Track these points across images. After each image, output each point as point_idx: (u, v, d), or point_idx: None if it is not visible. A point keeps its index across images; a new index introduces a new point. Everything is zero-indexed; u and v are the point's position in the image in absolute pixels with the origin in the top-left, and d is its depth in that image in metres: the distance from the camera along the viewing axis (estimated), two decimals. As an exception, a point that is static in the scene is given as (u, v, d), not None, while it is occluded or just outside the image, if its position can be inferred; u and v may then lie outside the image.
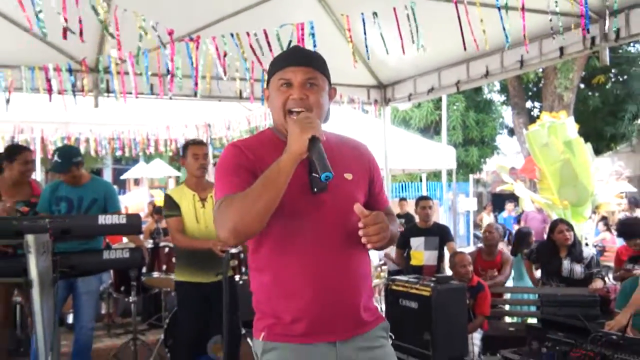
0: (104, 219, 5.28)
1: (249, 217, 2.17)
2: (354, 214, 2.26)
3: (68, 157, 5.83)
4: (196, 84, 6.70)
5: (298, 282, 2.34)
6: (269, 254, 2.40)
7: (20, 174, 6.00)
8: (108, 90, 7.14)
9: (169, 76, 6.65)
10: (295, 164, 2.20)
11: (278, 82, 2.40)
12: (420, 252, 7.59)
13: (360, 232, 2.21)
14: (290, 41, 6.12)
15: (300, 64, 2.40)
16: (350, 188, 2.44)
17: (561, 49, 6.34)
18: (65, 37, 5.29)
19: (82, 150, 11.05)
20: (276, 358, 2.35)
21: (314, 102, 2.36)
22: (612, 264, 8.65)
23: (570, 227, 7.33)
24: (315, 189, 2.36)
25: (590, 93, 22.93)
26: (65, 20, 5.19)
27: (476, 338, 6.30)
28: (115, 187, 6.93)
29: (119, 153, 12.66)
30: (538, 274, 7.66)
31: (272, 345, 2.36)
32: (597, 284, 6.92)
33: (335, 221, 2.37)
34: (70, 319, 7.49)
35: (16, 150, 6.06)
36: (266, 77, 2.59)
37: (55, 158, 5.82)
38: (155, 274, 6.55)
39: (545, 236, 12.05)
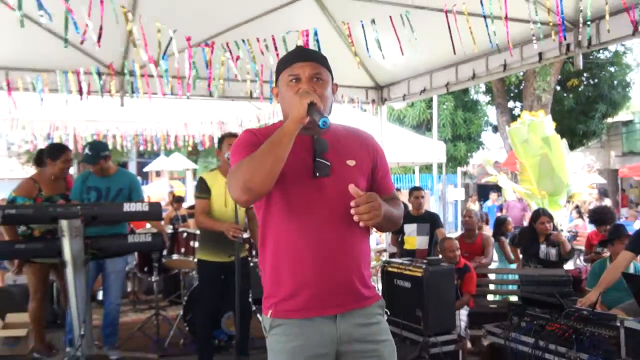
0: (128, 207, 5.35)
1: (258, 175, 2.17)
2: (352, 197, 2.25)
3: (97, 150, 5.89)
4: (209, 85, 6.70)
5: (300, 259, 2.32)
6: (274, 232, 2.38)
7: (60, 171, 6.04)
8: (132, 91, 7.16)
9: (184, 79, 6.64)
10: (298, 128, 2.22)
11: (287, 77, 2.40)
12: (413, 237, 7.60)
13: (352, 211, 2.19)
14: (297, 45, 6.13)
15: (307, 59, 2.40)
16: (351, 173, 2.39)
17: (540, 55, 6.31)
18: (99, 44, 5.30)
19: (110, 145, 11.11)
20: (281, 333, 2.34)
21: (320, 95, 2.33)
22: (583, 248, 8.67)
23: (551, 218, 7.37)
24: (318, 174, 2.34)
25: (565, 94, 22.90)
26: (100, 30, 5.20)
27: (463, 314, 6.30)
28: (139, 178, 6.95)
29: (142, 148, 12.68)
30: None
31: (278, 321, 2.35)
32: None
33: (337, 203, 2.33)
34: (100, 295, 7.53)
35: (59, 150, 6.09)
36: (274, 79, 2.57)
37: (86, 151, 5.87)
38: (175, 256, 6.59)
39: (524, 222, 12.09)
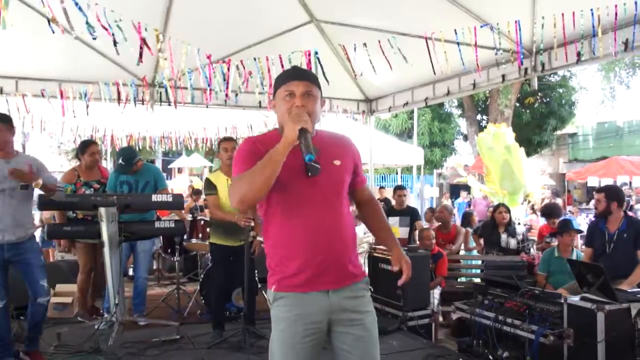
0: (156, 197, 5.39)
1: (253, 188, 2.22)
2: (341, 191, 2.41)
3: (129, 160, 5.92)
4: (227, 95, 6.73)
5: (298, 243, 2.34)
6: (276, 223, 2.40)
7: (90, 161, 6.10)
8: (160, 100, 7.19)
9: (207, 90, 6.66)
10: (289, 148, 2.22)
11: (283, 92, 2.40)
12: (396, 228, 7.62)
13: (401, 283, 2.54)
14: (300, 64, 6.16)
15: (301, 78, 2.42)
16: (338, 171, 2.45)
17: (503, 76, 6.35)
18: (141, 60, 5.36)
19: (140, 145, 11.15)
20: (283, 304, 2.37)
21: (311, 110, 2.36)
22: (536, 238, 8.73)
23: (508, 210, 7.44)
24: (310, 173, 2.35)
25: (523, 110, 22.98)
26: (141, 49, 5.24)
27: (436, 293, 6.34)
28: (164, 174, 6.98)
29: (167, 148, 12.71)
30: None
31: (280, 294, 2.38)
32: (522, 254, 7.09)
33: (327, 197, 2.38)
34: (131, 272, 7.55)
35: (85, 145, 6.19)
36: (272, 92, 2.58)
37: (120, 161, 5.90)
38: (194, 240, 6.60)
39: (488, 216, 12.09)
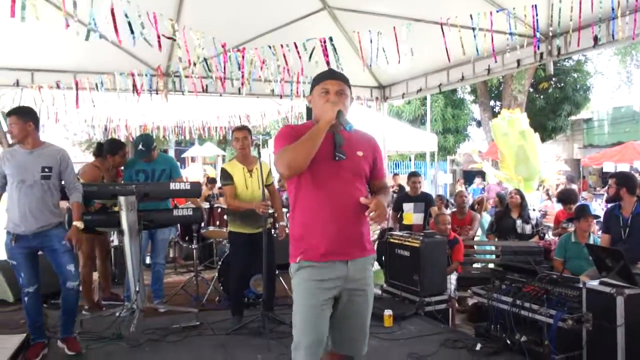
0: (173, 185, 5.43)
1: (299, 158, 2.59)
2: (360, 177, 2.77)
3: (149, 145, 5.99)
4: (242, 84, 6.76)
5: (322, 218, 2.68)
6: (304, 198, 2.73)
7: (120, 163, 6.15)
8: (175, 90, 7.23)
9: (220, 79, 6.69)
10: (328, 126, 2.63)
11: (320, 90, 2.77)
12: (410, 214, 7.63)
13: (368, 217, 2.62)
14: (313, 49, 6.19)
15: (335, 79, 2.78)
16: (360, 161, 2.79)
17: (518, 61, 6.35)
18: (160, 48, 5.40)
19: (154, 135, 11.20)
20: (306, 273, 2.69)
21: (342, 105, 2.71)
22: (551, 224, 8.70)
23: (519, 193, 7.45)
24: (337, 158, 2.72)
25: (537, 95, 22.79)
26: (158, 39, 5.28)
27: (452, 279, 6.36)
28: (178, 162, 7.04)
29: (180, 137, 12.77)
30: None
31: (305, 263, 2.69)
32: (536, 238, 7.09)
33: (348, 181, 2.72)
34: (147, 260, 7.60)
35: (119, 147, 6.18)
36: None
37: (140, 147, 5.94)
38: (211, 228, 6.64)
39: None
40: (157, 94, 7.15)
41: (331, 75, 2.83)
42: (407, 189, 8.11)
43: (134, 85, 6.82)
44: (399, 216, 7.89)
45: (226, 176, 5.36)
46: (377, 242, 8.71)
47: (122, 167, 6.24)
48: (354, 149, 2.79)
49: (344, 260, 2.69)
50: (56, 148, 4.56)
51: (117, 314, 5.20)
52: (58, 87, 6.76)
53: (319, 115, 2.73)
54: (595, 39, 5.34)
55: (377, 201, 2.62)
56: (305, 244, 2.70)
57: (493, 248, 7.44)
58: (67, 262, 4.46)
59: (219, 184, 9.89)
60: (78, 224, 4.49)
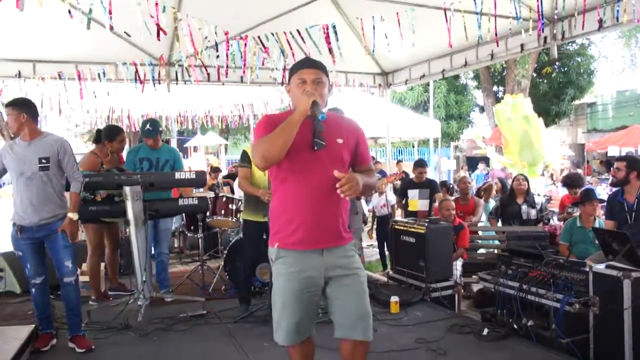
0: (179, 175, 5.46)
1: (273, 149, 2.60)
2: (340, 166, 2.72)
3: (156, 126, 6.05)
4: (244, 72, 6.75)
5: (299, 205, 2.71)
6: (283, 187, 2.76)
7: (119, 149, 6.11)
8: (177, 79, 7.22)
9: (224, 67, 6.67)
10: (303, 117, 2.63)
11: (297, 80, 2.77)
12: (415, 201, 7.64)
13: (338, 191, 2.57)
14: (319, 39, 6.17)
15: (312, 67, 2.79)
16: (339, 148, 2.79)
17: (522, 46, 6.33)
18: (158, 38, 5.36)
19: (156, 124, 11.19)
20: (283, 262, 2.74)
21: (320, 94, 2.72)
22: (556, 209, 8.70)
23: (526, 179, 7.45)
24: (316, 147, 2.73)
25: (540, 80, 22.71)
26: (158, 28, 5.26)
27: (458, 265, 6.38)
28: (180, 153, 7.04)
29: (183, 127, 12.77)
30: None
31: (282, 252, 2.75)
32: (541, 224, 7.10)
33: (327, 169, 2.68)
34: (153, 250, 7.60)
35: (116, 132, 6.10)
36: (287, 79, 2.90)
37: (148, 127, 5.95)
38: (217, 217, 6.65)
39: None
40: (159, 83, 7.14)
41: (308, 64, 2.82)
42: (412, 175, 8.11)
43: (137, 75, 6.80)
44: (404, 202, 7.91)
45: (245, 158, 5.26)
46: (374, 230, 8.79)
47: (124, 153, 6.23)
48: (333, 136, 2.78)
49: (318, 249, 2.72)
50: (55, 137, 4.46)
51: (125, 304, 5.22)
52: (60, 77, 6.76)
53: (296, 104, 2.74)
54: (600, 22, 5.31)
55: (351, 175, 2.61)
56: (282, 232, 2.75)
57: (498, 234, 7.45)
58: (65, 257, 4.41)
59: (223, 173, 9.91)
60: (72, 215, 4.40)
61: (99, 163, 5.97)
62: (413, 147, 23.20)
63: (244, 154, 5.35)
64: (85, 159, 6.05)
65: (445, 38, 5.93)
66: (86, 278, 6.12)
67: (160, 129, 6.08)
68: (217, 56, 6.37)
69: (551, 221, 7.78)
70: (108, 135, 6.03)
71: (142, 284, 5.12)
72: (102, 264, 6.39)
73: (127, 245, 5.90)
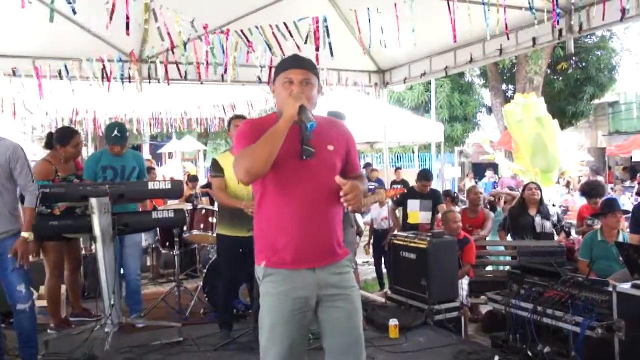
0: (153, 185, 5.41)
1: (258, 163, 2.60)
2: (332, 175, 2.69)
3: (125, 132, 5.96)
4: (226, 70, 6.74)
5: (288, 222, 2.70)
6: (269, 201, 2.76)
7: (74, 154, 5.95)
8: (150, 77, 7.19)
9: (203, 64, 6.66)
10: (289, 125, 2.63)
11: (283, 80, 2.77)
12: (416, 213, 7.62)
13: (342, 199, 2.62)
14: (307, 34, 6.16)
15: (300, 67, 2.78)
16: (331, 156, 2.80)
17: (534, 40, 6.34)
18: (128, 32, 5.31)
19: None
20: (272, 280, 2.74)
21: (308, 96, 2.73)
22: (574, 222, 8.72)
23: (538, 188, 7.44)
24: (305, 156, 2.72)
25: (555, 77, 22.82)
26: (127, 20, 5.22)
27: (464, 284, 6.38)
28: (154, 160, 7.00)
29: (157, 131, 12.74)
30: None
31: (270, 271, 2.74)
32: (561, 236, 7.08)
33: (318, 180, 2.72)
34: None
35: (69, 135, 5.92)
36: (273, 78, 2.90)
37: (116, 133, 5.85)
38: (195, 232, 6.61)
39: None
40: (130, 82, 7.11)
41: (295, 63, 2.82)
42: (412, 184, 8.11)
43: (104, 73, 6.77)
44: (402, 214, 7.89)
45: (217, 168, 5.30)
46: (372, 245, 8.78)
47: (80, 160, 6.15)
48: (324, 143, 2.79)
49: (310, 268, 2.73)
50: (6, 143, 4.35)
51: (90, 332, 5.15)
52: (14, 74, 6.68)
53: (282, 108, 2.73)
54: (623, 11, 5.29)
55: (354, 183, 2.63)
56: (270, 250, 2.75)
57: (508, 249, 7.44)
58: (16, 281, 4.32)
59: (202, 182, 9.86)
60: (27, 235, 4.30)
61: (54, 171, 5.80)
62: (413, 152, 23.27)
63: (215, 164, 5.38)
64: (36, 167, 5.78)
65: (449, 32, 5.93)
66: (44, 303, 6.00)
67: (128, 134, 6.02)
68: (195, 52, 6.36)
69: (572, 234, 7.78)
70: (60, 139, 5.86)
71: (110, 309, 5.06)
72: (63, 287, 6.29)
73: (92, 264, 5.86)
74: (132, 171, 6.00)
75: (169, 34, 5.84)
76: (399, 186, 7.44)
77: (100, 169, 5.88)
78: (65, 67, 6.71)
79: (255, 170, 2.61)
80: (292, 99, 2.65)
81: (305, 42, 6.16)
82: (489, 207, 9.22)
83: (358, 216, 7.53)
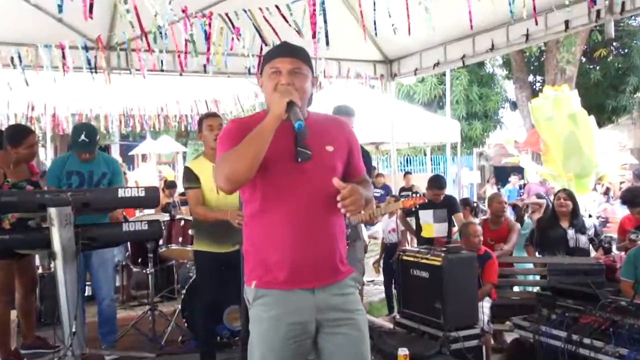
0: (123, 192, 5.36)
1: (240, 168, 2.59)
2: (332, 180, 2.66)
3: (94, 137, 5.88)
4: (208, 59, 6.71)
5: (282, 234, 2.70)
6: (259, 210, 2.76)
7: (27, 155, 5.86)
8: (120, 67, 7.16)
9: (182, 53, 6.63)
10: (276, 123, 2.62)
11: (269, 70, 2.79)
12: (430, 225, 7.56)
13: (339, 204, 2.61)
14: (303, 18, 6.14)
15: (288, 55, 2.79)
16: (330, 158, 2.81)
17: (566, 23, 6.28)
18: (91, 15, 5.27)
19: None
20: (264, 303, 2.74)
21: (299, 88, 2.74)
22: (614, 235, 8.68)
23: (570, 197, 7.35)
24: (300, 159, 2.73)
25: (591, 67, 22.82)
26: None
27: (485, 306, 6.34)
28: (124, 163, 6.96)
29: (129, 129, 12.72)
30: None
31: (261, 292, 2.74)
32: (599, 252, 7.05)
33: (316, 185, 2.72)
34: (88, 291, 7.51)
35: (21, 135, 5.83)
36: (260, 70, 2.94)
37: (83, 137, 5.78)
38: (173, 246, 6.59)
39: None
40: (96, 72, 7.08)
41: (284, 50, 2.84)
42: (422, 191, 8.06)
43: (64, 61, 6.72)
44: (415, 226, 7.85)
45: (191, 177, 5.29)
46: (382, 262, 8.74)
47: (35, 163, 6.11)
48: (322, 143, 2.80)
49: (309, 288, 2.73)
50: None
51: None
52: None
53: (269, 102, 2.74)
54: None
55: (353, 186, 2.63)
56: (261, 269, 2.75)
57: (537, 266, 7.41)
58: None
59: (180, 189, 9.82)
60: None
61: (2, 176, 5.76)
62: (425, 155, 23.28)
63: (188, 172, 5.36)
64: None
65: (466, 14, 5.92)
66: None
67: (98, 138, 5.96)
68: (174, 39, 6.34)
69: (613, 249, 7.74)
70: (11, 139, 5.78)
71: (71, 337, 5.01)
72: (13, 312, 6.22)
73: (50, 285, 5.80)
74: (102, 177, 5.97)
75: (138, 19, 5.80)
76: (417, 194, 7.12)
77: (65, 175, 5.86)
78: (19, 54, 6.67)
79: (237, 176, 2.61)
80: (278, 94, 2.65)
81: (300, 29, 6.12)
82: (514, 216, 9.17)
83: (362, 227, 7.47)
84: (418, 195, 6.95)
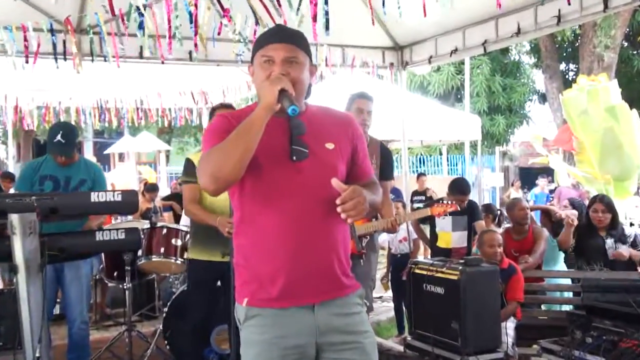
0: (96, 196, 5.32)
1: (226, 165, 2.57)
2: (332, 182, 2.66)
3: (73, 138, 5.87)
4: (195, 44, 6.71)
5: (274, 243, 2.69)
6: (250, 217, 2.76)
7: None
8: (92, 54, 7.15)
9: (164, 38, 6.63)
10: (267, 115, 2.61)
11: (261, 58, 2.77)
12: (448, 233, 7.55)
13: (339, 209, 2.58)
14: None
15: (282, 41, 2.76)
16: (330, 157, 2.80)
17: (605, 1, 6.24)
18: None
19: (61, 120, 11.04)
20: (257, 324, 2.72)
21: (295, 78, 2.71)
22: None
23: (608, 209, 7.25)
24: (295, 157, 2.72)
25: (634, 53, 22.80)
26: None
27: (509, 327, 6.34)
28: (98, 163, 6.95)
29: (104, 124, 12.71)
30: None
31: (254, 311, 2.73)
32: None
33: (314, 187, 2.71)
34: (56, 309, 7.50)
35: None
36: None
37: (59, 138, 5.77)
38: (155, 258, 6.57)
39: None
40: (65, 59, 7.08)
41: (276, 35, 2.82)
42: (436, 195, 8.05)
43: (27, 46, 6.71)
44: (429, 234, 7.84)
45: (190, 171, 5.26)
46: (390, 276, 8.74)
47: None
48: (321, 139, 2.79)
49: (308, 305, 2.71)
50: None
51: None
52: None
53: (260, 93, 2.74)
54: None
55: (356, 188, 2.61)
56: (253, 284, 2.74)
57: (570, 281, 7.41)
58: None
59: (163, 192, 9.82)
60: None
61: None
62: (441, 154, 23.32)
63: (189, 165, 5.35)
64: None
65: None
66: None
67: (78, 139, 5.96)
68: (155, 21, 6.35)
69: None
70: None
71: (35, 362, 5.01)
72: None
73: (10, 303, 5.79)
74: (80, 184, 5.95)
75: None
76: (448, 201, 6.80)
77: (38, 179, 5.86)
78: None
79: (222, 174, 2.59)
80: (269, 82, 2.64)
81: (297, 13, 6.11)
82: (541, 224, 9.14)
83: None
84: (450, 202, 6.70)
